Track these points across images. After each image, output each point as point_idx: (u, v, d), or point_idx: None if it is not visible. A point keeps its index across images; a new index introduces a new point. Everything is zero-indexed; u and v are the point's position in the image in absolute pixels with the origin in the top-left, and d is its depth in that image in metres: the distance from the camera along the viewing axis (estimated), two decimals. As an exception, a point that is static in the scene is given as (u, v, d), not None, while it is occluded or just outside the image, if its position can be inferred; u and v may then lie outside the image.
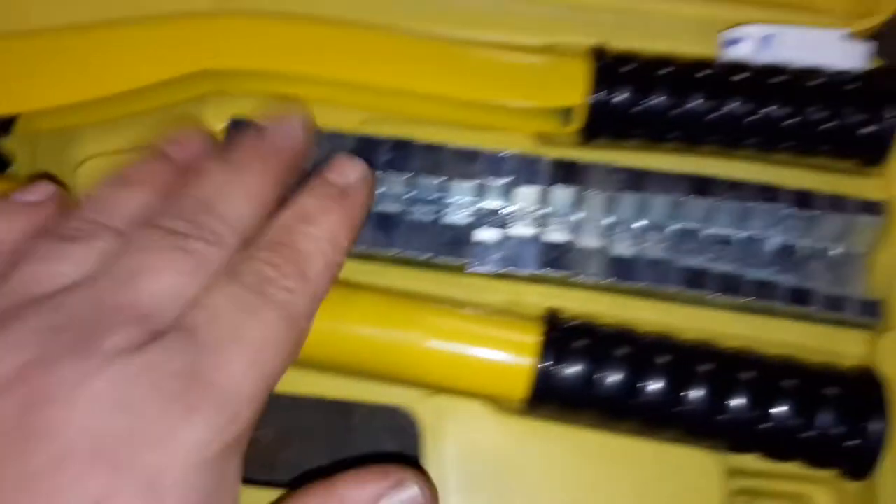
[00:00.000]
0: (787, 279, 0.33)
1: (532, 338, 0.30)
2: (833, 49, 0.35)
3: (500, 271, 0.33)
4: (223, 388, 0.22)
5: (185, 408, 0.22)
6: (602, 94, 0.33)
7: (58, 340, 0.22)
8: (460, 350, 0.30)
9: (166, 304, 0.24)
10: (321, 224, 0.27)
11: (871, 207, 0.33)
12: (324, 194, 0.28)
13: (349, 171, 0.29)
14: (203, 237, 0.25)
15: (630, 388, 0.29)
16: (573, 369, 0.29)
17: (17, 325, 0.22)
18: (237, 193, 0.27)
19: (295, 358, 0.26)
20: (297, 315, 0.25)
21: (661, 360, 0.29)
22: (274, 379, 0.24)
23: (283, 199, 0.28)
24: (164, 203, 0.27)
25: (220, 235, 0.26)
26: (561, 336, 0.30)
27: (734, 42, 0.35)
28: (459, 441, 0.32)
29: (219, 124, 0.36)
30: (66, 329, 0.22)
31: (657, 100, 0.33)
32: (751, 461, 0.30)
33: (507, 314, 0.32)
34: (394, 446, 0.35)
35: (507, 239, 0.34)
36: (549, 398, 0.30)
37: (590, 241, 0.34)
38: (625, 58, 0.35)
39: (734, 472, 0.32)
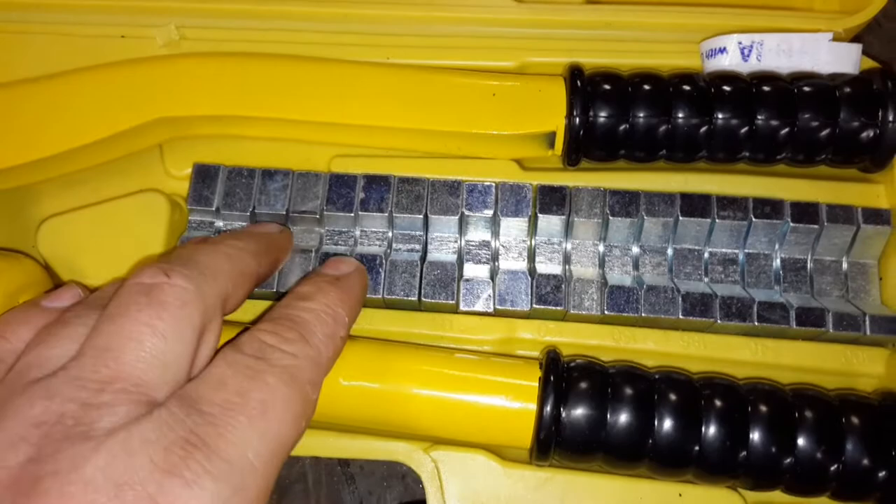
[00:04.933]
0: (796, 298, 0.31)
1: (533, 382, 0.28)
2: (821, 53, 0.33)
3: (492, 310, 0.31)
4: (227, 457, 0.21)
5: (185, 481, 0.20)
6: (583, 116, 0.32)
7: (56, 429, 0.21)
8: (456, 398, 0.28)
9: (154, 368, 0.22)
10: (319, 300, 0.27)
11: (878, 216, 0.31)
12: (319, 280, 0.28)
13: (342, 265, 0.30)
14: (172, 283, 0.24)
15: (642, 429, 0.27)
16: (579, 412, 0.27)
17: (14, 419, 0.21)
18: (216, 251, 0.27)
19: (304, 427, 0.24)
20: (300, 379, 0.24)
21: (673, 397, 0.27)
22: (282, 445, 0.23)
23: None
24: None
25: (193, 279, 0.24)
26: (564, 378, 0.28)
27: (717, 52, 0.34)
28: (464, 495, 0.30)
29: (181, 171, 0.34)
30: (62, 416, 0.21)
31: (643, 116, 0.32)
32: (777, 496, 0.28)
33: (505, 357, 0.30)
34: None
35: (496, 274, 0.32)
36: (555, 444, 0.28)
37: (583, 270, 0.32)
38: (604, 75, 0.33)
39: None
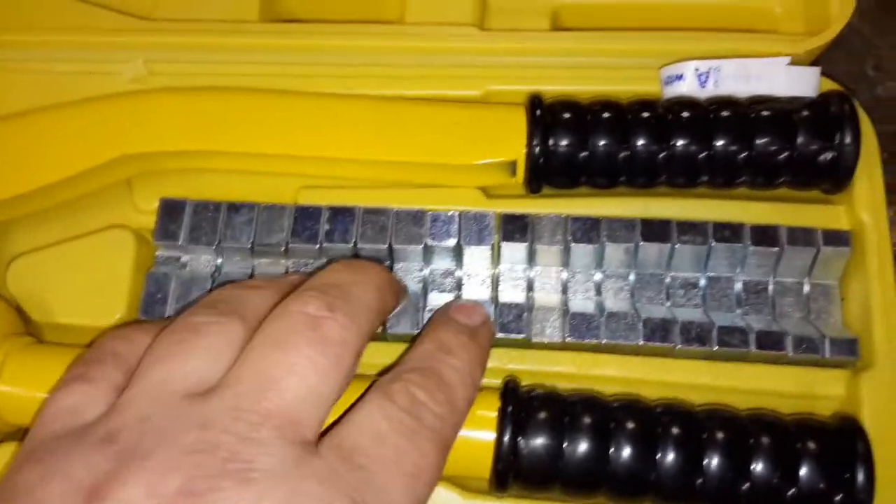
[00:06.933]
0: (757, 321, 0.31)
1: (492, 412, 0.28)
2: (778, 77, 0.33)
3: (454, 339, 0.31)
4: None
5: None
6: (543, 145, 0.32)
7: (209, 462, 0.20)
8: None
9: (311, 407, 0.22)
10: (461, 357, 0.27)
11: (838, 238, 0.31)
12: (457, 331, 0.28)
13: (475, 314, 0.30)
14: (336, 319, 0.24)
15: (600, 458, 0.27)
16: (538, 442, 0.27)
17: (167, 446, 0.20)
18: (364, 282, 0.26)
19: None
20: (445, 445, 0.24)
21: (630, 425, 0.27)
22: None
23: None
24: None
25: (354, 318, 0.24)
26: (522, 407, 0.28)
27: (675, 78, 0.34)
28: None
29: (150, 205, 0.35)
30: (217, 448, 0.20)
31: (602, 144, 0.32)
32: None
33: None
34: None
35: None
36: (513, 475, 0.28)
37: (547, 297, 0.32)
38: (563, 104, 0.33)
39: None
